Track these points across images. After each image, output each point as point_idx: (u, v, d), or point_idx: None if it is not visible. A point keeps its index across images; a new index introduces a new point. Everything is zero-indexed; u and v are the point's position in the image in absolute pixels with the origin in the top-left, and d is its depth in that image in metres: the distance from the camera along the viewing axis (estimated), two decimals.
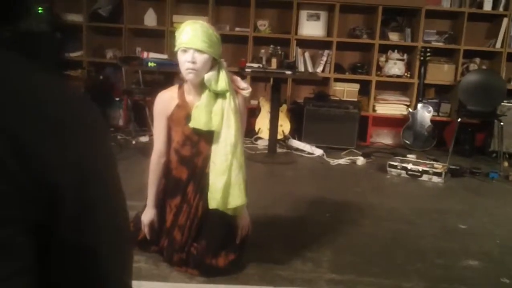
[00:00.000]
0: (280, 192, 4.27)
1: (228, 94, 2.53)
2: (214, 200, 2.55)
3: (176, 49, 2.51)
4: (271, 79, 5.47)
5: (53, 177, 0.56)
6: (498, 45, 6.30)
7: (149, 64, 5.18)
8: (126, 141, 5.71)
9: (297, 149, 5.76)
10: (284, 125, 5.94)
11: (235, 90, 2.64)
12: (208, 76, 2.48)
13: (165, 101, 2.63)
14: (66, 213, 0.58)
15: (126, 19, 6.46)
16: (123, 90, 5.97)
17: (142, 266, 2.77)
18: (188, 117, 2.56)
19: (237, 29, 6.49)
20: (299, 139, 5.95)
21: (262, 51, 6.48)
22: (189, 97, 2.60)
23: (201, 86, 2.54)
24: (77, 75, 5.90)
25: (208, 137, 2.58)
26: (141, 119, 5.99)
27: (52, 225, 0.58)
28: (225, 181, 2.52)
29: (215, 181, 2.53)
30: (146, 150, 5.35)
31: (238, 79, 2.72)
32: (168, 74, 5.46)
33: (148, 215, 2.75)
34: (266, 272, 2.80)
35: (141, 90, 5.98)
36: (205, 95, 2.52)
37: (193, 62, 2.44)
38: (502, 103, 5.81)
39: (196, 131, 2.57)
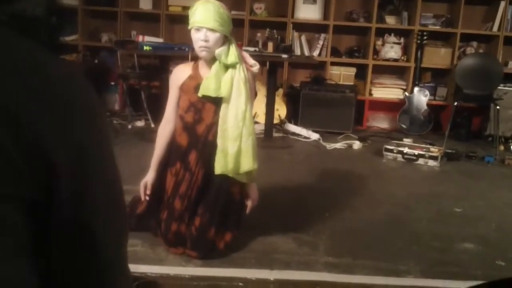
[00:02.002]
0: (276, 176, 4.27)
1: (238, 66, 2.64)
2: (222, 166, 2.63)
3: (189, 27, 2.62)
4: (267, 63, 5.45)
5: (50, 155, 0.56)
6: (495, 28, 6.29)
7: (145, 47, 5.15)
8: (122, 126, 5.70)
9: (294, 134, 5.76)
10: (280, 110, 5.94)
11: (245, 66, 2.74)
12: (219, 51, 2.59)
13: (180, 72, 2.76)
14: (63, 192, 0.58)
15: (121, 3, 6.41)
16: (119, 74, 5.94)
17: (138, 250, 2.77)
18: (197, 87, 2.66)
19: (233, 12, 6.43)
20: (296, 123, 5.95)
21: (258, 34, 6.45)
22: (202, 70, 2.72)
23: (213, 61, 2.66)
24: (72, 59, 5.86)
25: (213, 105, 2.67)
26: (137, 103, 5.97)
27: (49, 204, 0.57)
28: (237, 147, 2.62)
29: (226, 148, 2.62)
30: (142, 134, 5.35)
31: (247, 55, 2.82)
32: (164, 58, 5.42)
33: (146, 177, 2.83)
34: (263, 255, 2.81)
35: (137, 74, 5.96)
36: (215, 66, 2.63)
37: (206, 41, 2.57)
38: (499, 87, 5.82)
39: (201, 99, 2.66)
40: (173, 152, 2.78)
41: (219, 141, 2.63)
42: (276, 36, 6.30)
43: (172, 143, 2.79)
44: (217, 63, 2.63)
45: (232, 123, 2.62)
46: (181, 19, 6.51)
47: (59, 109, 0.59)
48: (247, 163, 2.65)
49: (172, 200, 2.74)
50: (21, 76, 0.56)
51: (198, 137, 2.70)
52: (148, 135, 5.23)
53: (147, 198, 2.81)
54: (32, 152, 0.54)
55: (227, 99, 2.62)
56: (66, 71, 0.63)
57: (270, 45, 6.06)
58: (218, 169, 2.64)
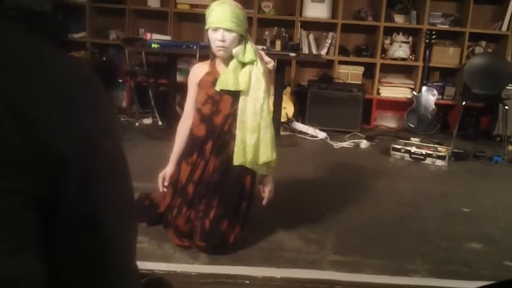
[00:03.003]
0: (283, 174, 4.25)
1: (255, 62, 2.71)
2: (241, 157, 2.69)
3: (206, 27, 2.68)
4: (275, 61, 5.44)
5: (57, 148, 0.56)
6: (504, 28, 6.25)
7: (153, 45, 5.15)
8: (130, 123, 5.71)
9: (301, 132, 5.75)
10: (288, 108, 5.93)
11: None
12: (236, 50, 2.67)
13: (197, 70, 2.84)
14: (71, 186, 0.58)
15: (129, 0, 6.41)
16: (127, 71, 5.95)
17: (145, 247, 2.78)
18: (214, 81, 2.72)
19: None
20: (303, 122, 5.94)
21: (266, 33, 6.44)
22: (219, 67, 2.78)
23: (230, 59, 2.72)
24: (80, 56, 5.87)
25: (230, 97, 2.72)
26: (145, 101, 5.98)
27: (56, 199, 0.57)
28: (256, 139, 2.69)
29: (244, 139, 2.69)
30: (149, 132, 5.36)
31: (262, 53, 2.88)
32: (172, 56, 5.42)
33: (165, 169, 2.89)
34: (269, 253, 2.81)
35: (145, 72, 5.97)
36: (233, 62, 2.70)
37: (223, 41, 2.63)
38: (507, 87, 5.78)
39: (219, 92, 2.72)
40: (190, 143, 2.84)
41: (237, 133, 2.70)
42: (284, 34, 6.29)
43: (189, 135, 2.85)
44: (235, 60, 2.69)
45: (251, 115, 2.69)
46: (189, 17, 6.52)
47: (66, 102, 0.58)
48: (266, 154, 2.72)
49: (186, 186, 2.80)
50: (27, 71, 0.56)
51: (215, 127, 2.75)
52: (155, 133, 5.24)
53: (165, 189, 2.86)
54: (40, 145, 0.54)
55: (245, 92, 2.69)
56: (73, 65, 0.63)
57: (278, 43, 6.06)
58: (237, 160, 2.70)
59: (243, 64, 2.70)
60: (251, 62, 2.70)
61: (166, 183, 2.86)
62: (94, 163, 0.61)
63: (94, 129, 0.61)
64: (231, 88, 2.67)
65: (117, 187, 0.67)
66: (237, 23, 2.61)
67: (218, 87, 2.69)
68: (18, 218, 0.54)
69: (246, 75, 2.68)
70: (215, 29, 2.63)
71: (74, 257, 0.63)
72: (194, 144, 2.81)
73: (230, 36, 2.62)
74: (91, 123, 0.61)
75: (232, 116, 2.72)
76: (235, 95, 2.71)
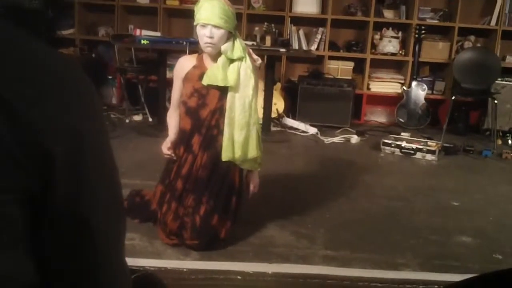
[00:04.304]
0: (274, 170, 4.27)
1: (244, 59, 2.71)
2: (230, 153, 2.70)
3: (195, 23, 2.67)
4: (265, 57, 5.44)
5: (47, 144, 0.55)
6: (493, 22, 6.28)
7: (142, 41, 5.13)
8: (120, 120, 5.69)
9: (291, 128, 5.75)
10: (278, 104, 5.92)
11: None
12: (225, 47, 2.66)
13: (184, 62, 2.82)
14: (60, 182, 0.57)
15: None
16: (116, 68, 5.92)
17: (136, 243, 2.77)
18: (201, 75, 2.71)
19: None
20: (293, 118, 5.94)
21: (256, 28, 6.43)
22: (207, 61, 2.77)
23: (218, 55, 2.71)
24: (70, 53, 5.84)
25: (218, 92, 2.71)
26: (135, 97, 5.96)
27: (46, 195, 0.57)
28: (244, 135, 2.71)
29: (233, 135, 2.70)
30: (140, 128, 5.35)
31: (250, 51, 2.87)
32: (161, 52, 5.40)
33: (167, 139, 2.88)
34: (261, 249, 2.81)
35: (134, 68, 5.94)
36: (222, 58, 2.69)
37: (211, 37, 2.62)
38: (496, 81, 5.81)
39: (206, 86, 2.70)
40: (177, 136, 2.84)
41: (226, 129, 2.69)
42: (274, 30, 6.28)
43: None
44: (223, 56, 2.69)
45: (240, 111, 2.69)
46: (179, 13, 6.50)
47: (54, 98, 0.58)
48: (252, 151, 2.75)
49: (174, 181, 2.79)
50: (16, 66, 0.56)
51: (202, 121, 2.74)
52: (146, 129, 5.23)
53: (173, 156, 2.83)
54: (29, 141, 0.54)
55: (234, 88, 2.68)
56: (62, 62, 0.63)
57: (268, 39, 6.04)
58: (225, 156, 2.70)
59: (232, 61, 2.69)
60: (240, 59, 2.69)
61: (170, 151, 2.83)
62: (83, 160, 0.61)
63: (83, 126, 0.61)
64: (220, 83, 2.66)
65: (105, 183, 0.67)
66: (225, 20, 2.60)
67: (205, 82, 2.68)
68: (10, 215, 0.54)
69: (235, 71, 2.67)
70: (204, 26, 2.61)
71: (63, 253, 0.62)
72: (181, 137, 2.81)
73: (218, 33, 2.61)
74: (80, 120, 0.61)
75: (219, 111, 2.71)
76: (223, 90, 2.70)
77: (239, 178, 2.83)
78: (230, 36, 2.68)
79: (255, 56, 2.86)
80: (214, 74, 2.67)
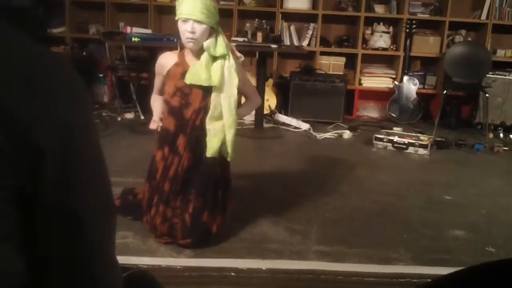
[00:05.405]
0: (267, 166, 4.27)
1: (227, 56, 2.67)
2: (215, 150, 2.68)
3: (176, 18, 2.63)
4: (257, 53, 5.43)
5: (36, 140, 0.55)
6: (484, 16, 6.30)
7: (133, 39, 5.11)
8: (111, 118, 5.67)
9: (284, 124, 5.75)
10: (270, 100, 5.92)
11: None
12: (207, 43, 2.62)
13: (165, 59, 2.77)
14: (50, 178, 0.57)
15: None
16: (107, 66, 5.90)
17: (129, 241, 2.77)
18: (184, 73, 2.67)
19: (221, 2, 6.40)
20: (286, 114, 5.94)
21: (247, 24, 6.42)
22: (188, 58, 2.73)
23: (200, 51, 2.67)
24: (60, 51, 5.81)
25: (201, 91, 2.68)
26: (126, 95, 5.93)
27: (36, 191, 0.57)
28: (233, 133, 2.69)
29: (218, 133, 2.67)
30: (132, 126, 5.33)
31: (233, 47, 2.84)
32: (152, 49, 5.39)
33: (153, 118, 2.89)
34: (254, 245, 2.81)
35: (126, 66, 5.92)
36: (204, 56, 2.64)
37: (193, 32, 2.57)
38: (487, 75, 5.83)
39: (189, 85, 2.66)
40: (160, 136, 2.81)
41: (210, 127, 2.66)
42: (265, 26, 6.28)
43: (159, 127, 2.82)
44: (206, 53, 2.64)
45: (226, 111, 2.66)
46: (169, 10, 6.44)
47: (44, 95, 0.58)
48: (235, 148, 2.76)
49: (162, 184, 2.76)
50: (3, 64, 0.55)
51: (186, 121, 2.70)
52: (138, 127, 5.21)
53: (160, 124, 2.81)
54: (19, 138, 0.54)
55: (218, 88, 2.64)
56: (51, 59, 0.62)
57: (259, 35, 6.04)
58: (211, 152, 2.68)
59: (214, 58, 2.65)
60: (223, 56, 2.65)
61: (160, 124, 2.81)
62: (73, 155, 0.61)
63: (72, 121, 0.61)
64: (204, 83, 2.62)
65: (94, 178, 0.67)
66: (207, 15, 2.56)
67: (188, 81, 2.64)
68: (0, 210, 0.54)
69: (218, 70, 2.63)
70: (185, 20, 2.57)
71: (53, 248, 0.62)
72: (164, 137, 2.78)
73: (200, 28, 2.57)
74: (69, 115, 0.61)
75: (203, 110, 2.68)
76: (206, 89, 2.66)
77: (222, 170, 2.80)
78: (213, 32, 2.64)
79: (237, 53, 2.82)
80: (197, 73, 2.63)
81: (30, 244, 0.58)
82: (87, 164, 0.64)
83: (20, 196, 0.55)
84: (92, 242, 0.66)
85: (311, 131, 5.53)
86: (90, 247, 0.66)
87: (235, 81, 2.66)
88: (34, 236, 0.59)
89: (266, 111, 5.72)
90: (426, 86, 6.51)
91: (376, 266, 2.67)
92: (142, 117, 5.61)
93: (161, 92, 2.85)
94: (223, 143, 2.69)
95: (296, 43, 6.47)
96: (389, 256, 2.78)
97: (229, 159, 2.77)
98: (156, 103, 2.90)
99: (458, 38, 6.40)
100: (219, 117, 2.67)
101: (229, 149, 2.70)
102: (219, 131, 2.67)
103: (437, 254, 2.82)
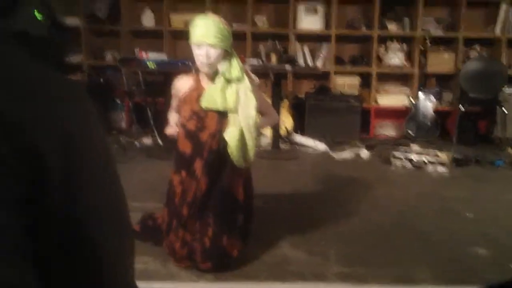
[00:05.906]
0: (284, 187, 4.26)
1: (242, 79, 2.67)
2: (242, 159, 2.67)
3: (190, 43, 2.65)
4: (272, 75, 5.46)
5: (35, 142, 0.55)
6: (497, 31, 6.28)
7: (148, 64, 5.17)
8: (130, 143, 5.71)
9: (301, 144, 5.75)
10: (286, 121, 5.93)
11: None
12: (222, 66, 2.64)
13: (180, 83, 2.79)
14: (54, 185, 0.56)
15: (123, 20, 6.45)
16: (124, 91, 5.96)
17: (150, 267, 2.76)
18: (199, 97, 2.67)
19: (234, 25, 6.47)
20: (302, 134, 5.94)
21: (261, 46, 6.46)
22: (203, 81, 2.74)
23: (215, 74, 2.68)
24: (77, 79, 5.89)
25: (216, 115, 2.67)
26: (143, 120, 5.98)
27: (40, 199, 0.56)
28: (253, 153, 2.68)
29: (238, 144, 2.65)
30: (149, 151, 5.36)
31: (247, 70, 2.84)
32: (168, 74, 5.44)
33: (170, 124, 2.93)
34: (274, 267, 2.79)
35: (142, 91, 5.97)
36: (220, 79, 2.65)
37: (207, 57, 2.59)
38: (504, 89, 5.79)
39: (204, 109, 2.66)
40: (177, 159, 2.80)
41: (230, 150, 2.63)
42: (279, 47, 6.31)
43: (176, 150, 2.82)
44: (221, 77, 2.65)
45: (246, 132, 2.65)
46: (184, 34, 6.48)
47: (47, 105, 0.58)
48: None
49: (180, 208, 2.75)
50: (5, 79, 0.55)
51: (203, 144, 2.70)
52: (156, 152, 5.24)
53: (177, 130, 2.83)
54: (17, 139, 0.53)
55: (233, 111, 2.64)
56: (50, 69, 0.62)
57: (273, 57, 6.07)
58: (239, 161, 2.67)
59: (229, 81, 2.65)
60: (238, 79, 2.65)
61: (174, 130, 2.85)
62: (76, 161, 0.60)
63: (73, 122, 0.61)
64: (220, 108, 2.63)
65: (103, 186, 0.65)
66: (221, 39, 2.58)
67: (204, 105, 2.64)
68: (6, 223, 0.53)
69: (234, 94, 2.63)
70: (199, 45, 2.60)
71: (62, 264, 0.61)
72: (181, 161, 2.77)
73: (214, 52, 2.59)
74: (69, 122, 0.60)
75: (219, 133, 2.67)
76: (221, 112, 2.66)
77: (243, 195, 2.78)
78: (227, 55, 2.66)
79: (252, 76, 2.83)
80: (213, 97, 2.63)
81: (35, 258, 0.57)
82: (93, 171, 0.63)
83: (23, 207, 0.55)
84: (104, 259, 0.64)
85: (328, 151, 5.51)
86: (100, 263, 0.64)
87: (252, 102, 2.65)
88: (42, 249, 0.58)
89: (282, 133, 5.73)
90: (442, 103, 6.48)
91: (399, 287, 2.64)
92: (160, 142, 5.64)
93: (178, 112, 2.87)
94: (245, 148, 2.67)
95: (310, 63, 6.49)
96: (411, 276, 2.74)
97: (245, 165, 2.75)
98: (173, 114, 2.93)
99: (473, 54, 6.38)
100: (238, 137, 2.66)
101: (250, 153, 2.68)
102: (238, 141, 2.65)
103: (460, 273, 2.78)
